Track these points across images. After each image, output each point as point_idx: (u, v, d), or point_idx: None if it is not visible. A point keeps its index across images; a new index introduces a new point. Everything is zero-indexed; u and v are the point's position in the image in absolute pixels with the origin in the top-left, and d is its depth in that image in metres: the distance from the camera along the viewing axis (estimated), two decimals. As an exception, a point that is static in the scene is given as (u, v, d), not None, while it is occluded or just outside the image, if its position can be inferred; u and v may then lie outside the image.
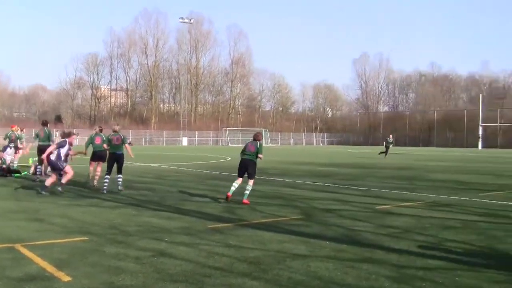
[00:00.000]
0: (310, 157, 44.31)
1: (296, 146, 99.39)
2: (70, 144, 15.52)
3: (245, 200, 13.52)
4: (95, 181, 17.03)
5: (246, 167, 13.82)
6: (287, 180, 20.57)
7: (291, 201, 13.96)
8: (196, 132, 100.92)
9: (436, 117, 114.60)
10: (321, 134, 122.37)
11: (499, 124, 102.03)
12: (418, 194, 16.24)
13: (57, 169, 15.10)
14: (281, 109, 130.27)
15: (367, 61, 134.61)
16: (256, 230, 9.63)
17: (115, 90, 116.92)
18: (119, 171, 15.96)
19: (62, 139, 15.33)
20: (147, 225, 10.08)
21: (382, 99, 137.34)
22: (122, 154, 16.01)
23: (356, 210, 12.50)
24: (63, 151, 15.02)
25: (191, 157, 42.63)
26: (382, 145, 54.28)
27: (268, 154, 50.32)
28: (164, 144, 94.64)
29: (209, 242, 8.56)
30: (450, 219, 11.27)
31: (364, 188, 17.75)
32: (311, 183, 19.52)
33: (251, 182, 13.83)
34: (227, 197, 13.72)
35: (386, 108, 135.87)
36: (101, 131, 17.77)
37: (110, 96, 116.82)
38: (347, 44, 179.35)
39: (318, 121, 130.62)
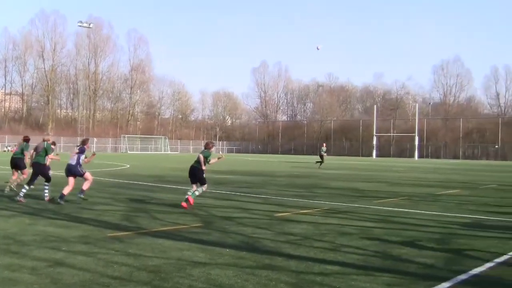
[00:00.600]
0: (209, 165, 44.15)
1: (196, 153, 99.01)
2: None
3: (190, 197, 14.34)
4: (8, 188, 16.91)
5: (194, 174, 14.83)
6: (186, 187, 20.43)
7: (191, 209, 13.90)
8: (95, 139, 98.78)
9: (333, 127, 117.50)
10: (220, 142, 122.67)
11: (392, 134, 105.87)
12: (316, 201, 16.59)
13: (78, 175, 14.96)
14: (180, 116, 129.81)
15: (266, 70, 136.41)
16: (156, 239, 9.53)
17: (10, 94, 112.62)
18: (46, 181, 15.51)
19: (80, 145, 15.17)
20: (43, 234, 9.78)
21: (281, 108, 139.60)
22: (40, 164, 15.40)
23: (255, 218, 12.61)
24: (82, 157, 14.98)
25: (89, 164, 41.58)
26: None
27: (167, 162, 49.94)
28: (61, 150, 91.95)
29: (108, 251, 8.40)
30: (346, 226, 11.58)
31: (263, 196, 17.94)
32: (211, 191, 19.51)
33: (204, 187, 14.82)
34: (182, 206, 14.10)
35: (284, 117, 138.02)
36: (26, 140, 17.63)
37: (4, 100, 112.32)
38: (247, 53, 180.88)
39: (218, 129, 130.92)
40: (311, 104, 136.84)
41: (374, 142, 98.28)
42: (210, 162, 14.94)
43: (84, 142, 15.41)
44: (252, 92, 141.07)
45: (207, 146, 15.08)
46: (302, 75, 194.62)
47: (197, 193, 14.64)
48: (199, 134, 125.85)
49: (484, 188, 24.27)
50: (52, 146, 15.73)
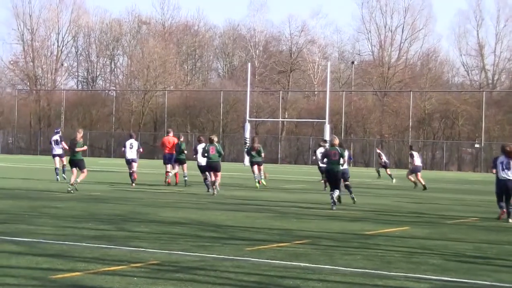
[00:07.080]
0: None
1: None
2: None
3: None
4: None
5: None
6: None
7: None
8: None
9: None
10: None
11: (281, 119, 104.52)
12: (136, 249, 15.36)
13: None
14: None
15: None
16: None
17: None
18: None
19: None
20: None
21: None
22: None
23: (21, 285, 11.31)
24: None
25: None
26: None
27: None
28: None
29: None
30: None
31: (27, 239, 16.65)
32: None
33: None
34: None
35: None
36: None
37: None
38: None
39: None
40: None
41: (248, 135, 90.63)
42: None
43: None
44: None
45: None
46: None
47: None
48: None
49: (454, 224, 23.72)
50: None
